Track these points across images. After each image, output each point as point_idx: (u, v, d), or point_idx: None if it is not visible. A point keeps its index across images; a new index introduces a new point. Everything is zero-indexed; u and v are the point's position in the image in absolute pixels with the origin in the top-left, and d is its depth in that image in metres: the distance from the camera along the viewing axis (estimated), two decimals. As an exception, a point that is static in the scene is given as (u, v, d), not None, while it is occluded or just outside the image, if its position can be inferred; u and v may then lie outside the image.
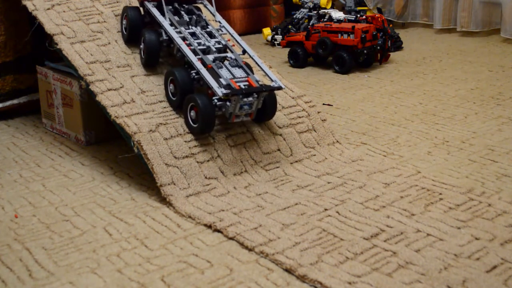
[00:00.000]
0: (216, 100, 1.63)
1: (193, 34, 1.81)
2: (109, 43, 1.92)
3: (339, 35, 2.90)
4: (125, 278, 1.22)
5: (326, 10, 3.39)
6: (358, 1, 3.96)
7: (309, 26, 3.18)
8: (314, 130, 1.89)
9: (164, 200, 1.55)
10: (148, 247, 1.34)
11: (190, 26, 1.84)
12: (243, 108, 1.65)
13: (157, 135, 1.63)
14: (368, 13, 3.61)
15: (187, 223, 1.44)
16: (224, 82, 1.62)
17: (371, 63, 3.02)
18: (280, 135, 1.81)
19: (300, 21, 3.55)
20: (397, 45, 3.47)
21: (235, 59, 1.73)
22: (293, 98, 1.95)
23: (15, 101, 2.24)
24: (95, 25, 1.97)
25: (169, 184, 1.56)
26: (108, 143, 1.97)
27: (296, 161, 1.77)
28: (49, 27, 1.90)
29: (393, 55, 3.30)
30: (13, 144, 2.00)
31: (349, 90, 2.63)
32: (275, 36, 3.61)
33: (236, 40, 1.86)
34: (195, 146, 1.66)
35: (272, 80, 1.71)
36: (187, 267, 1.25)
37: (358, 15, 3.19)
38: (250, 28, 4.01)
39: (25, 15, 2.16)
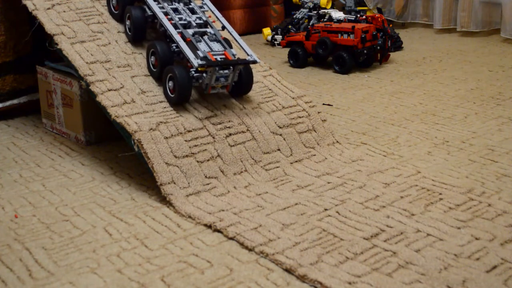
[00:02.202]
0: (193, 72, 1.71)
1: (175, 10, 1.89)
2: (110, 43, 1.92)
3: (339, 35, 2.90)
4: (125, 278, 1.22)
5: (326, 10, 3.39)
6: (358, 1, 3.96)
7: (309, 26, 3.18)
8: (314, 130, 1.89)
9: (164, 200, 1.55)
10: (148, 247, 1.34)
11: (173, 2, 1.92)
12: (219, 80, 1.73)
13: (158, 133, 1.63)
14: (368, 13, 3.61)
15: (187, 223, 1.45)
16: (201, 55, 1.71)
17: (371, 63, 3.02)
18: (280, 135, 1.81)
19: (300, 21, 3.55)
20: (397, 45, 3.47)
21: (214, 34, 1.81)
22: (293, 98, 1.95)
23: (15, 101, 2.24)
24: (96, 25, 1.97)
25: (169, 183, 1.56)
26: (108, 143, 1.97)
27: (296, 161, 1.77)
28: (49, 27, 1.90)
29: (393, 55, 3.30)
30: (13, 144, 2.00)
31: (349, 90, 2.63)
32: (275, 36, 3.61)
33: (216, 17, 1.94)
34: (195, 145, 1.66)
35: (248, 55, 1.79)
36: (187, 267, 1.25)
37: (358, 15, 3.19)
38: (250, 28, 4.01)
39: (25, 15, 2.16)
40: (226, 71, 1.71)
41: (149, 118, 1.68)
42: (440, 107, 2.36)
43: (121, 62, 1.87)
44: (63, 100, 2.01)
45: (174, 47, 1.78)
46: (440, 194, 1.56)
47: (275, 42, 3.62)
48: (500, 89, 2.61)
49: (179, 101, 1.73)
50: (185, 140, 1.65)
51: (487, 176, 1.70)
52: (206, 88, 1.74)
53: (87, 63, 1.82)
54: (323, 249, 1.30)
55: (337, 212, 1.47)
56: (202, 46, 1.75)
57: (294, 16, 3.59)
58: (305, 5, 3.58)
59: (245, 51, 1.81)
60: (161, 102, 1.77)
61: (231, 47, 1.80)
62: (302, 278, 1.20)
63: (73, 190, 1.65)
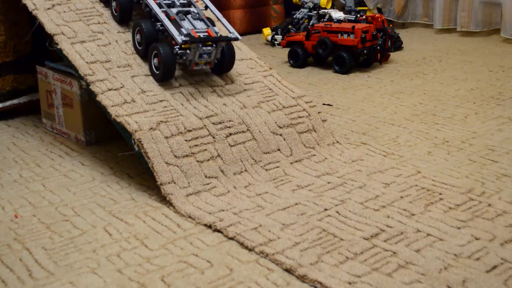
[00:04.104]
0: (177, 49, 1.79)
1: None
2: (110, 43, 1.92)
3: (339, 35, 2.90)
4: (125, 278, 1.22)
5: (326, 10, 3.39)
6: (358, 1, 3.96)
7: (309, 26, 3.18)
8: (314, 131, 1.89)
9: (164, 200, 1.55)
10: (148, 247, 1.34)
11: None
12: (203, 57, 1.82)
13: (158, 133, 1.63)
14: (368, 13, 3.61)
15: (187, 223, 1.44)
16: (185, 32, 1.79)
17: (371, 63, 3.02)
18: (280, 135, 1.81)
19: (300, 21, 3.55)
20: (397, 45, 3.47)
21: (198, 13, 1.89)
22: (293, 98, 1.95)
23: (15, 101, 2.24)
24: (96, 25, 1.97)
25: (169, 183, 1.56)
26: (108, 143, 1.97)
27: (296, 161, 1.77)
28: (49, 27, 1.90)
29: (393, 55, 3.30)
30: (13, 144, 2.00)
31: (349, 90, 2.63)
32: (275, 36, 3.61)
33: None
34: (196, 145, 1.66)
35: (230, 32, 1.87)
36: (187, 267, 1.25)
37: (358, 15, 3.19)
38: (250, 28, 4.01)
39: (25, 15, 2.16)
40: (209, 48, 1.79)
41: (150, 117, 1.68)
42: (440, 107, 2.36)
43: (121, 62, 1.87)
44: (63, 100, 2.01)
45: (158, 25, 1.85)
46: (440, 194, 1.56)
47: (275, 42, 3.62)
48: (500, 89, 2.61)
49: (163, 77, 1.80)
50: (185, 140, 1.65)
51: (487, 176, 1.70)
52: (190, 64, 1.81)
53: (87, 63, 1.82)
54: (323, 249, 1.30)
55: (337, 212, 1.47)
56: (185, 24, 1.82)
57: (294, 16, 3.59)
58: (305, 5, 3.58)
59: (227, 29, 1.88)
60: (161, 101, 1.77)
61: (214, 25, 1.87)
62: (302, 278, 1.20)
63: (73, 190, 1.65)
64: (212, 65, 1.87)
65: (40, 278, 1.22)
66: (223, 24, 1.91)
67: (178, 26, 1.80)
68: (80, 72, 1.79)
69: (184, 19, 1.84)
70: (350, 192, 1.58)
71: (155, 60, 1.80)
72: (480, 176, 1.70)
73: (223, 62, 1.89)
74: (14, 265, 1.27)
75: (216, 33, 1.82)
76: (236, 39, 1.83)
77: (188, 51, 1.78)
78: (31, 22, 2.05)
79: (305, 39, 3.04)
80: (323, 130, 1.90)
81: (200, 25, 1.84)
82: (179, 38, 1.74)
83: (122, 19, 1.99)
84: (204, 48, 1.78)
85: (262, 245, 1.32)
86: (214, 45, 1.80)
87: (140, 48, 1.88)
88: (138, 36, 1.88)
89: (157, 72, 1.81)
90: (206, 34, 1.80)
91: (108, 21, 2.00)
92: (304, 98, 1.97)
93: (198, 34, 1.78)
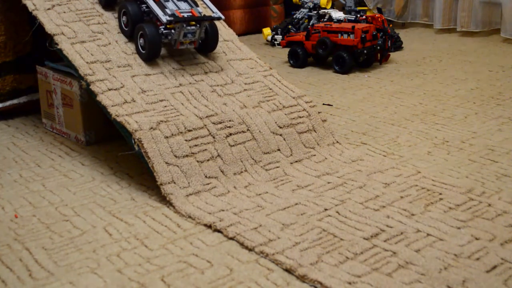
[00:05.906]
0: (162, 29, 1.87)
1: None
2: (110, 43, 1.92)
3: (339, 35, 2.91)
4: (125, 278, 1.22)
5: (326, 10, 3.39)
6: (358, 1, 3.96)
7: (309, 26, 3.18)
8: (314, 130, 1.89)
9: (164, 200, 1.55)
10: (148, 247, 1.34)
11: None
12: (187, 36, 1.89)
13: (158, 133, 1.63)
14: (368, 13, 3.61)
15: (187, 223, 1.45)
16: (169, 12, 1.85)
17: (371, 63, 3.02)
18: (280, 135, 1.81)
19: (300, 21, 3.55)
20: (397, 45, 3.47)
21: None
22: (293, 98, 1.95)
23: (15, 101, 2.24)
24: (96, 25, 1.97)
25: (169, 183, 1.56)
26: (108, 143, 1.97)
27: (296, 161, 1.77)
28: (49, 27, 1.90)
29: (393, 55, 3.30)
30: (13, 144, 2.00)
31: (349, 90, 2.63)
32: (275, 36, 3.61)
33: None
34: (196, 145, 1.66)
35: (213, 12, 1.95)
36: (187, 267, 1.25)
37: (358, 15, 3.20)
38: (250, 28, 4.01)
39: (25, 15, 2.16)
40: (193, 27, 1.87)
41: (150, 117, 1.68)
42: (440, 107, 2.36)
43: (121, 62, 1.87)
44: (63, 100, 2.01)
45: (144, 7, 1.92)
46: (440, 194, 1.56)
47: (275, 42, 3.62)
48: (500, 89, 2.61)
49: (149, 56, 1.87)
50: (185, 140, 1.65)
51: (487, 176, 1.70)
52: (175, 43, 1.89)
53: (87, 62, 1.82)
54: (323, 249, 1.30)
55: (337, 212, 1.47)
56: (170, 5, 1.88)
57: (294, 16, 3.59)
58: (305, 5, 3.58)
59: (210, 9, 1.96)
60: (161, 101, 1.77)
61: (197, 6, 1.93)
62: (302, 278, 1.20)
63: (73, 190, 1.65)
64: (196, 45, 1.94)
65: (40, 278, 1.22)
66: (206, 4, 1.99)
67: (162, 7, 1.86)
68: (80, 72, 1.79)
69: (168, 1, 1.90)
70: (350, 192, 1.58)
71: (141, 40, 1.87)
72: (480, 176, 1.70)
73: (207, 42, 1.97)
74: (14, 265, 1.27)
75: (200, 13, 1.88)
76: (219, 18, 1.91)
77: (173, 31, 1.86)
78: (31, 22, 2.05)
79: (305, 39, 3.04)
80: (323, 130, 1.90)
81: (184, 5, 1.90)
82: (164, 18, 1.81)
83: (108, 3, 2.06)
84: (188, 27, 1.86)
85: (262, 245, 1.32)
86: (197, 24, 1.87)
87: (126, 29, 1.95)
88: (124, 18, 1.94)
89: (143, 52, 1.88)
90: (190, 14, 1.86)
91: (108, 21, 2.01)
92: (304, 98, 1.97)
93: (182, 14, 1.84)
